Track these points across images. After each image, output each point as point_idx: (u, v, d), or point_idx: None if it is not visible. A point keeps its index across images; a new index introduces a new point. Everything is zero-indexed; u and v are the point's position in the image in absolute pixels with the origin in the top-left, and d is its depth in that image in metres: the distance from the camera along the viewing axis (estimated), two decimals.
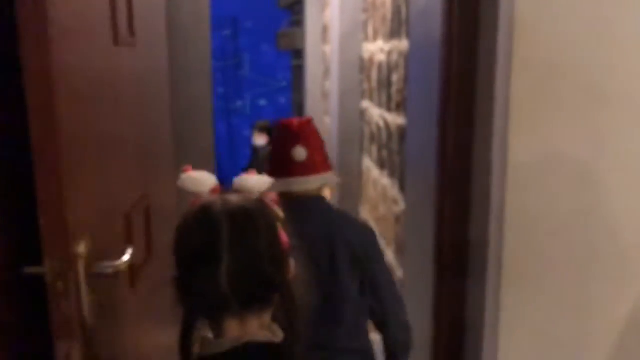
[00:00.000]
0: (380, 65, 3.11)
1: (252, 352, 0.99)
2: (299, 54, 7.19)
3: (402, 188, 2.63)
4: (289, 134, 1.73)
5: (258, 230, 0.98)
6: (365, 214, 3.64)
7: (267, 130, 5.76)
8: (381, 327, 1.76)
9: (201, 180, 1.04)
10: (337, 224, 1.72)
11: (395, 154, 2.77)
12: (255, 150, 6.15)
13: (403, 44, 2.58)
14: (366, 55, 3.54)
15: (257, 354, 1.00)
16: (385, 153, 3.01)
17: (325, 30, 5.85)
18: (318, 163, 1.73)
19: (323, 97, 6.16)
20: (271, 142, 2.07)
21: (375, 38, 3.25)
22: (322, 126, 6.35)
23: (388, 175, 2.94)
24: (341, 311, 1.66)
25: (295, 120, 1.78)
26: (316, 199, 1.73)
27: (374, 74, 3.28)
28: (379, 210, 3.18)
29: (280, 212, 1.04)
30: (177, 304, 1.01)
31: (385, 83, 2.97)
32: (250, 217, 0.98)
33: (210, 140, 2.90)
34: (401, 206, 2.68)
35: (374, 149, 3.31)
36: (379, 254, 1.76)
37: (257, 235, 0.98)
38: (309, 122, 1.79)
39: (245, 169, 1.62)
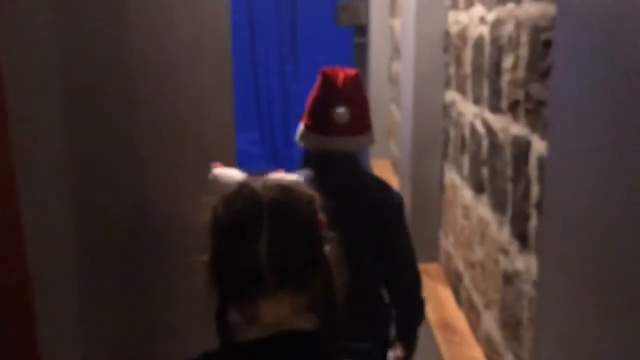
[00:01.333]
0: (478, 43, 2.14)
1: (288, 341, 0.98)
2: (361, 30, 6.22)
3: (522, 237, 1.68)
4: (333, 90, 1.66)
5: (297, 209, 0.98)
6: (448, 246, 2.70)
7: None
8: (396, 298, 1.81)
9: (231, 175, 1.13)
10: (368, 185, 1.76)
11: (506, 178, 1.81)
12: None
13: (528, 9, 1.61)
14: (454, 29, 2.57)
15: (294, 344, 0.99)
16: (485, 172, 2.06)
17: (393, 0, 4.87)
18: (359, 124, 1.69)
19: (390, 82, 5.19)
20: (313, 90, 1.77)
21: (469, 4, 2.28)
22: (389, 116, 5.42)
23: (492, 208, 1.99)
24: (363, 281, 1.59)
25: (340, 74, 1.68)
26: (351, 158, 1.73)
27: (468, 55, 2.32)
28: (473, 251, 2.23)
29: (317, 195, 1.02)
30: (209, 288, 0.98)
31: (488, 69, 2.00)
32: (289, 195, 0.99)
33: (231, 131, 2.17)
34: (517, 264, 1.73)
35: (465, 161, 2.36)
36: (403, 222, 1.81)
37: (295, 213, 0.98)
38: (356, 77, 1.69)
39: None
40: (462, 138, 2.40)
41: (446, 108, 2.72)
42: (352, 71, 1.72)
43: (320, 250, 0.99)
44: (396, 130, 4.55)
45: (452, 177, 2.62)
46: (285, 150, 10.83)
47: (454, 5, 2.56)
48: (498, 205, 1.91)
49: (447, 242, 2.74)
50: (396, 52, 4.76)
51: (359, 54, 7.32)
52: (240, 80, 10.18)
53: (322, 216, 1.02)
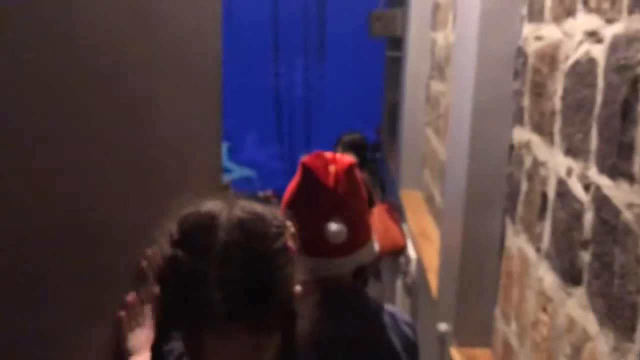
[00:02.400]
0: (582, 69, 1.48)
1: None
2: (396, 42, 5.58)
3: None
4: (323, 197, 1.25)
5: (260, 235, 0.91)
6: (509, 334, 2.02)
7: (354, 148, 4.33)
8: None
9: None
10: (378, 323, 1.35)
11: (633, 282, 1.14)
12: None
13: None
14: (533, 47, 1.90)
15: None
16: (586, 258, 1.39)
17: (436, 10, 4.22)
18: (359, 237, 1.31)
19: (427, 103, 4.53)
20: (292, 191, 1.33)
21: (566, 12, 1.62)
22: (422, 143, 4.77)
23: (598, 318, 1.32)
24: None
25: (330, 169, 1.27)
26: (351, 289, 1.35)
27: (557, 84, 1.65)
28: (549, 350, 1.56)
29: (288, 224, 0.96)
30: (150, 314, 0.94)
31: (603, 110, 1.34)
32: (254, 221, 0.92)
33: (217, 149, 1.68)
34: None
35: (546, 230, 1.69)
36: None
37: (258, 239, 0.91)
38: (350, 170, 1.30)
39: None
40: (543, 197, 1.74)
41: (514, 151, 2.05)
42: (344, 161, 1.32)
43: (284, 284, 0.91)
44: (433, 164, 3.88)
45: (520, 244, 1.95)
46: None
47: (534, 16, 1.90)
48: (612, 319, 1.24)
49: (506, 328, 2.06)
50: (438, 70, 4.10)
51: (391, 69, 6.68)
52: (261, 90, 9.64)
53: (292, 248, 0.94)
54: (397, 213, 3.68)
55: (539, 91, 1.80)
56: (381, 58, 6.45)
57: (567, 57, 1.59)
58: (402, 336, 1.38)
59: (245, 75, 9.51)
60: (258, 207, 0.95)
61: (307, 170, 1.29)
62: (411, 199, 4.45)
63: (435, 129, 4.11)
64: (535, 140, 1.83)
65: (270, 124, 9.91)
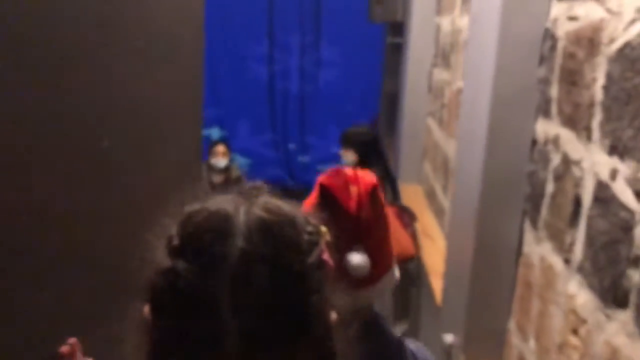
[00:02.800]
0: (632, 52, 1.25)
1: None
2: (396, 27, 5.33)
3: None
4: (344, 223, 1.05)
5: (286, 243, 0.67)
6: (526, 352, 1.80)
7: (354, 145, 3.86)
8: None
9: None
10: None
11: None
12: None
13: None
14: (564, 28, 1.67)
15: None
16: (637, 279, 1.17)
17: None
18: (381, 266, 1.16)
19: (430, 93, 4.30)
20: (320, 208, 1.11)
21: None
22: (423, 134, 4.54)
23: None
24: None
25: (352, 191, 1.10)
26: (375, 322, 1.16)
27: (598, 72, 1.42)
28: None
29: (325, 230, 0.75)
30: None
31: None
32: (280, 223, 0.68)
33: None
34: None
35: (579, 240, 1.47)
36: None
37: (283, 249, 0.67)
38: (374, 192, 1.13)
39: None
40: (575, 202, 1.51)
41: (537, 146, 1.82)
42: (367, 181, 1.15)
43: (320, 313, 0.68)
44: (435, 156, 3.64)
45: (543, 253, 1.72)
46: (298, 157, 9.97)
47: None
48: None
49: (523, 345, 1.84)
50: (442, 57, 3.86)
51: (391, 57, 6.44)
52: (255, 77, 9.37)
53: (329, 262, 0.72)
54: (407, 216, 3.31)
55: (573, 79, 1.57)
56: (380, 45, 6.20)
57: (612, 40, 1.35)
58: None
59: (238, 61, 9.24)
60: (286, 206, 0.72)
61: (326, 192, 1.12)
62: (410, 194, 4.23)
63: (438, 120, 3.88)
64: (566, 135, 1.60)
65: (264, 111, 9.65)
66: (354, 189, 1.13)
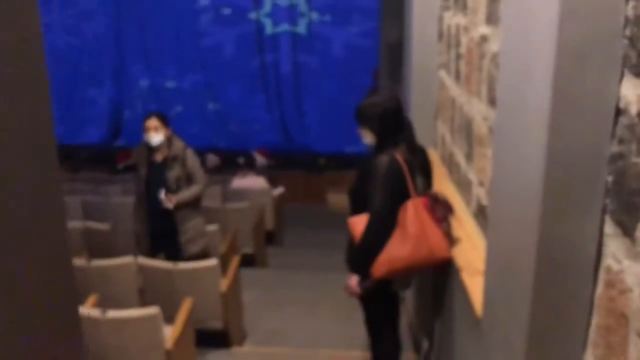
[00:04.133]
0: None
1: None
2: None
3: None
4: None
5: None
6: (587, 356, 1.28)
7: (369, 121, 3.05)
8: None
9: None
10: None
11: None
12: None
13: None
14: None
15: None
16: None
17: None
18: None
19: (440, 41, 3.69)
20: None
21: None
22: (435, 90, 3.95)
23: None
24: None
25: None
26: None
27: None
28: None
29: None
30: None
31: None
32: None
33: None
34: None
35: None
36: None
37: None
38: None
39: None
40: None
41: (624, 118, 1.26)
42: None
43: None
44: (453, 115, 3.06)
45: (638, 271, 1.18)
46: (294, 119, 9.34)
47: None
48: None
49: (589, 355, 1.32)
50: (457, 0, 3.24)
51: (388, 2, 5.79)
52: (241, 29, 8.70)
53: None
54: (441, 208, 2.63)
55: None
56: None
57: None
58: None
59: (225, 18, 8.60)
60: None
61: None
62: None
63: (454, 74, 3.29)
64: None
65: (255, 69, 9.05)
66: None
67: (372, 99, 2.75)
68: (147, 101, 9.40)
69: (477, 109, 2.72)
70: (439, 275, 2.78)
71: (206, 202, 5.44)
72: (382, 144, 2.67)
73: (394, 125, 2.69)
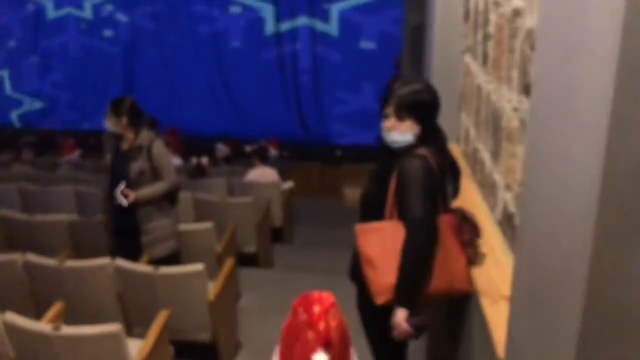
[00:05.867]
0: None
1: None
2: None
3: None
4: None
5: None
6: None
7: (414, 109, 2.39)
8: None
9: None
10: None
11: None
12: None
13: None
14: None
15: None
16: None
17: None
18: None
19: (467, 22, 3.24)
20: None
21: None
22: (460, 76, 3.50)
23: None
24: None
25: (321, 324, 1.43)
26: None
27: None
28: None
29: None
30: None
31: None
32: None
33: None
34: None
35: None
36: None
37: None
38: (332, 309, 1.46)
39: None
40: None
41: None
42: (326, 301, 1.48)
43: None
44: (478, 106, 2.61)
45: None
46: (311, 111, 9.00)
47: None
48: None
49: None
50: None
51: None
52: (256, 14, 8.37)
53: None
54: (469, 229, 2.16)
55: None
56: None
57: None
58: None
59: None
60: None
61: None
62: None
63: (481, 58, 2.84)
64: None
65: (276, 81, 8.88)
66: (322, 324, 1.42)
67: (411, 86, 2.18)
68: (158, 85, 9.20)
69: (507, 98, 2.27)
70: (455, 300, 2.32)
71: (206, 196, 5.08)
72: (424, 139, 2.15)
73: (436, 117, 2.20)
